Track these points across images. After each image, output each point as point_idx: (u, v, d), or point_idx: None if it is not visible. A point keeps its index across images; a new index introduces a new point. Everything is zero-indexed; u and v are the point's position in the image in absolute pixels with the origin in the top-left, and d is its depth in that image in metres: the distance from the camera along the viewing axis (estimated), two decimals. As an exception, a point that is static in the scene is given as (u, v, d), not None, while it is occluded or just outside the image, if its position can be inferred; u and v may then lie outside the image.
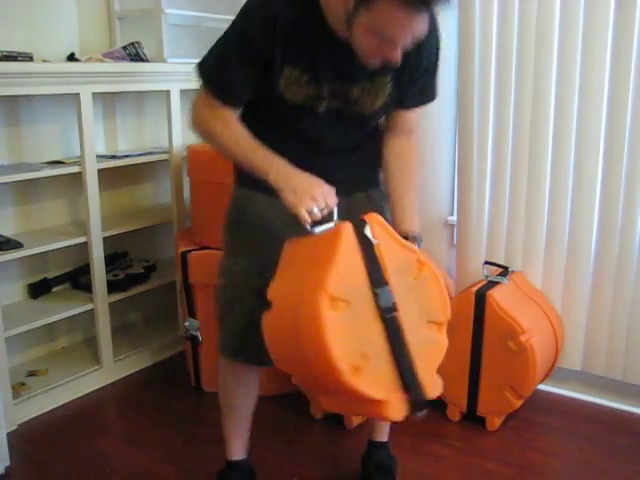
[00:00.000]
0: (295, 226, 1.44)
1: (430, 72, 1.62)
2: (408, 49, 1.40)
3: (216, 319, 1.78)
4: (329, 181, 1.47)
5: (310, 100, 1.53)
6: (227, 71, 1.50)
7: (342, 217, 1.44)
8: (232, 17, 1.49)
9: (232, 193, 1.75)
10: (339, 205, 1.46)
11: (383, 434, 1.99)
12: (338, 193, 1.48)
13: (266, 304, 1.40)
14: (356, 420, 2.30)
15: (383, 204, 1.73)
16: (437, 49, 1.61)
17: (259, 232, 1.68)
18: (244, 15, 1.48)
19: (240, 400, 1.84)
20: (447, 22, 2.49)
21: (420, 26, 1.33)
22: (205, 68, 1.53)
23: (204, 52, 1.54)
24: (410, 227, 1.61)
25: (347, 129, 1.63)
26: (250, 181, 1.55)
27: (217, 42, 1.52)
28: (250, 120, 1.56)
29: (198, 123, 1.57)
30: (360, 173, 1.74)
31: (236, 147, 1.52)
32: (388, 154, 1.71)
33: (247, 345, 1.71)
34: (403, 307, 1.36)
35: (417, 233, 1.60)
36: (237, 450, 1.90)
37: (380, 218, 1.42)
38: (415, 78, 1.59)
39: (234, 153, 1.53)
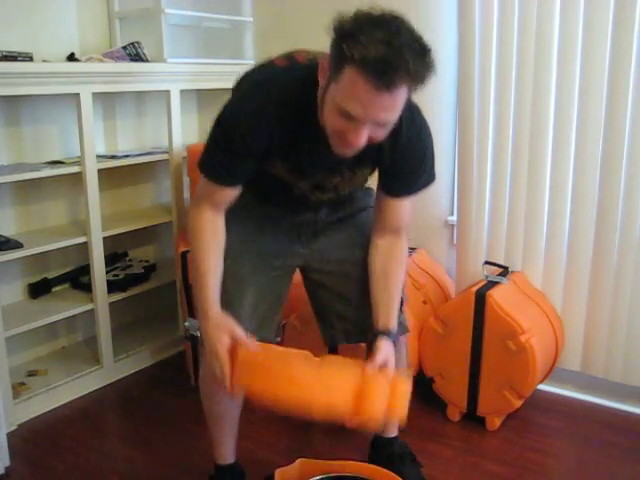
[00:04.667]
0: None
1: (412, 172, 1.59)
2: (380, 141, 1.37)
3: None
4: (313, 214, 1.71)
5: (291, 180, 1.59)
6: (223, 164, 1.50)
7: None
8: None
9: None
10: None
11: (394, 428, 1.98)
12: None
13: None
14: (356, 420, 2.29)
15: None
16: (423, 151, 1.56)
17: (249, 223, 1.73)
18: (235, 113, 1.45)
19: (224, 407, 1.81)
20: (447, 21, 2.50)
21: (383, 110, 1.27)
22: (205, 168, 1.53)
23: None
24: (383, 326, 1.59)
25: (329, 197, 1.66)
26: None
27: (210, 139, 1.50)
28: None
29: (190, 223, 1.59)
30: (347, 209, 1.78)
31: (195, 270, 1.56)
32: (375, 253, 1.67)
33: None
34: None
35: (391, 327, 1.59)
36: (227, 455, 1.89)
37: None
38: (394, 176, 1.59)
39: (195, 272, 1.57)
